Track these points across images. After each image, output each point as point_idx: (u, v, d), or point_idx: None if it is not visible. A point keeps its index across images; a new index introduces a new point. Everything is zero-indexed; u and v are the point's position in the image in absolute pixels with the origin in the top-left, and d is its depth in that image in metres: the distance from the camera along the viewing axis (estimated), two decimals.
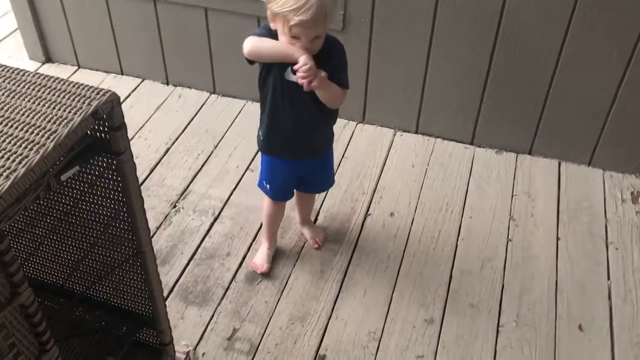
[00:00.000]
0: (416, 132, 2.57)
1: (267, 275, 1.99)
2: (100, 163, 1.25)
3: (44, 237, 1.54)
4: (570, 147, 2.42)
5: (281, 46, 1.56)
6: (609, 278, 2.01)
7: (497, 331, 1.84)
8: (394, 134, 2.57)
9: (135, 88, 2.81)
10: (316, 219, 2.20)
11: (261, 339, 1.79)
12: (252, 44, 1.58)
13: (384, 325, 1.84)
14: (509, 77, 2.31)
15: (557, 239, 2.14)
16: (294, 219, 2.16)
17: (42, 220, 1.50)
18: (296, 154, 1.80)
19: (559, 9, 2.11)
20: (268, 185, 1.89)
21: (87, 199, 1.35)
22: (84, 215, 1.39)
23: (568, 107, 2.32)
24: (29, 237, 1.56)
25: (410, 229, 2.17)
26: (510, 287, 1.97)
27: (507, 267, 2.03)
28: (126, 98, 2.74)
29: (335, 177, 2.36)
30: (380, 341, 1.80)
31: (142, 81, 2.84)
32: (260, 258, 2.02)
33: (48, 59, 2.93)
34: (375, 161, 2.45)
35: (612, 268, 2.04)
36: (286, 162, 1.83)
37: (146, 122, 2.61)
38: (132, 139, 2.46)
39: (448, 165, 2.45)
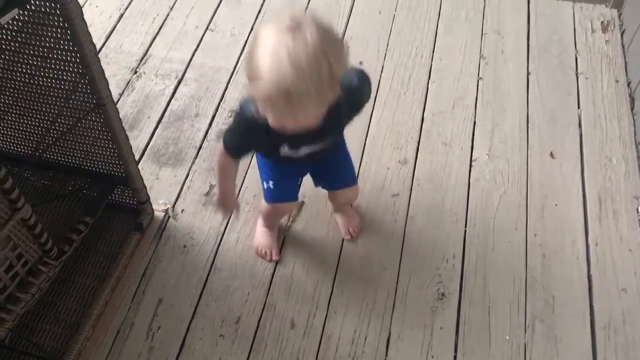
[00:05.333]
0: None
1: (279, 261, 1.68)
2: (43, 9, 1.16)
3: (5, 105, 1.47)
4: None
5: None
6: (579, 107, 2.02)
7: (470, 165, 1.87)
8: None
9: None
10: None
11: (239, 191, 1.80)
12: (217, 172, 1.46)
13: (358, 170, 1.85)
14: None
15: (528, 73, 2.12)
16: None
17: (1, 88, 1.42)
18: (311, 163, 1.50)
19: None
20: (271, 183, 1.49)
21: (39, 56, 1.27)
22: (40, 75, 1.32)
23: None
24: None
25: (380, 76, 2.13)
26: (482, 123, 1.97)
27: (478, 104, 2.03)
28: None
29: None
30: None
31: None
32: (264, 241, 1.66)
33: None
34: (341, 10, 2.35)
35: (582, 97, 2.05)
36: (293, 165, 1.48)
37: None
38: (82, 6, 2.30)
39: (416, 9, 2.36)
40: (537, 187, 1.81)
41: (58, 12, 1.15)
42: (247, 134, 1.28)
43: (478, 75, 2.12)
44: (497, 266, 1.65)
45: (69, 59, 1.25)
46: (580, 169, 1.85)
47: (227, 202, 1.47)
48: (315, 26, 1.03)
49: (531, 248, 1.68)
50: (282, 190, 1.51)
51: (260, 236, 1.67)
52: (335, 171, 1.56)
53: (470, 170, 1.85)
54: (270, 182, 1.48)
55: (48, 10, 1.15)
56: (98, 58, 1.26)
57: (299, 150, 1.31)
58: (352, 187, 1.60)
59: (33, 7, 1.16)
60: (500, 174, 1.84)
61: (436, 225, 1.73)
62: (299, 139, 1.27)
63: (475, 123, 1.98)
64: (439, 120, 1.99)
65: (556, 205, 1.77)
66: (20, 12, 1.19)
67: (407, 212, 1.76)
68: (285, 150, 1.30)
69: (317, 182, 1.60)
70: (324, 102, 1.09)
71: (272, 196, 1.52)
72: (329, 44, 1.04)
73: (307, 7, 2.33)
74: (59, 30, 1.19)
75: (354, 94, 1.26)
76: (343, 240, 1.70)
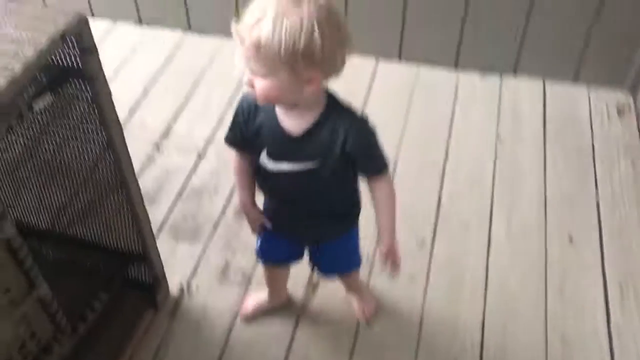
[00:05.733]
0: (399, 59, 2.52)
1: (246, 321, 1.68)
2: (74, 91, 1.20)
3: (27, 179, 1.50)
4: (555, 64, 2.39)
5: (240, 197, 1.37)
6: (597, 190, 2.02)
7: (489, 247, 1.85)
8: (376, 63, 2.52)
9: (108, 31, 2.72)
10: None
11: (255, 269, 1.79)
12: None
13: (374, 250, 1.84)
14: None
15: (545, 155, 2.14)
16: None
17: (24, 162, 1.46)
18: (296, 235, 1.42)
19: None
20: (259, 240, 1.47)
21: (64, 133, 1.31)
22: (63, 151, 1.36)
23: (551, 22, 2.27)
24: (14, 182, 1.52)
25: (397, 157, 2.15)
26: (500, 205, 1.97)
27: (495, 185, 2.03)
28: (99, 42, 2.64)
29: None
30: (372, 266, 1.81)
31: (114, 22, 2.74)
32: (250, 300, 1.69)
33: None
34: (359, 92, 2.41)
35: (599, 181, 2.05)
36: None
37: (121, 64, 2.54)
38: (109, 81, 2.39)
39: (433, 91, 2.41)
40: (556, 271, 1.79)
41: (89, 96, 1.19)
42: (237, 113, 1.24)
43: (495, 156, 2.14)
44: (517, 354, 1.60)
45: (94, 136, 1.28)
46: (599, 254, 1.83)
47: (247, 212, 1.37)
48: (324, 6, 1.02)
49: (551, 335, 1.64)
50: (268, 247, 1.47)
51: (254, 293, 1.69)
52: (333, 258, 1.48)
53: (488, 252, 1.84)
54: (259, 240, 1.46)
55: (79, 93, 1.19)
56: (123, 138, 1.29)
57: (277, 162, 1.21)
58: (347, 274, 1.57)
59: (65, 90, 1.20)
60: (519, 256, 1.82)
61: (454, 309, 1.70)
62: (279, 145, 1.19)
63: (492, 204, 1.97)
64: (456, 200, 2.00)
65: (576, 290, 1.74)
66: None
67: (425, 295, 1.74)
68: (264, 157, 1.22)
69: (312, 262, 1.52)
70: (294, 74, 1.04)
71: (257, 250, 1.50)
72: (326, 24, 1.01)
73: None
74: (87, 113, 1.23)
75: (353, 126, 1.16)
76: (358, 321, 1.67)
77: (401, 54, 2.51)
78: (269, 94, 1.08)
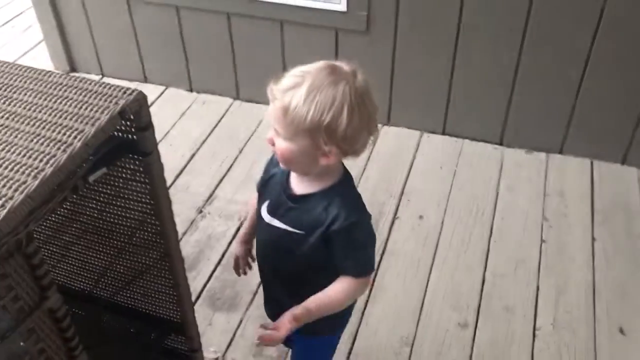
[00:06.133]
0: (443, 134, 2.52)
1: None
2: (127, 164, 1.23)
3: (72, 243, 1.52)
4: (603, 145, 2.35)
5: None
6: None
7: (534, 335, 1.78)
8: (420, 136, 2.53)
9: (160, 95, 2.81)
10: None
11: None
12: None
13: (416, 330, 1.79)
14: (538, 73, 2.25)
15: (593, 239, 2.07)
16: None
17: (70, 226, 1.49)
18: (271, 306, 1.41)
19: (590, 1, 2.05)
20: None
21: (114, 202, 1.33)
22: (112, 219, 1.37)
23: (600, 103, 2.25)
24: (57, 243, 1.54)
25: (441, 231, 2.12)
26: (546, 289, 1.91)
27: (541, 268, 1.97)
28: (150, 105, 2.73)
29: (362, 178, 2.32)
30: (412, 346, 1.75)
31: (166, 88, 2.84)
32: None
33: (72, 69, 2.95)
34: (402, 163, 2.41)
35: None
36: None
37: (171, 129, 2.61)
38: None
39: (477, 166, 2.39)
40: None
41: (141, 170, 1.21)
42: (267, 163, 1.30)
43: (541, 237, 2.08)
44: None
45: (141, 206, 1.30)
46: None
47: (236, 245, 1.45)
48: (360, 91, 1.05)
49: None
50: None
51: None
52: (298, 355, 1.46)
53: (533, 341, 1.76)
54: None
55: (132, 166, 1.22)
56: (171, 210, 1.30)
57: (272, 215, 1.21)
58: None
59: (119, 163, 1.22)
60: (566, 347, 1.74)
61: None
62: (278, 198, 1.20)
63: (538, 289, 1.91)
64: (501, 282, 1.94)
65: None
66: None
67: None
68: (264, 208, 1.23)
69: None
70: (313, 144, 1.06)
71: None
72: (357, 108, 1.04)
73: (369, 157, 2.39)
74: (138, 184, 1.25)
75: (347, 212, 1.12)
76: None
77: (445, 130, 2.51)
78: (285, 155, 1.11)
